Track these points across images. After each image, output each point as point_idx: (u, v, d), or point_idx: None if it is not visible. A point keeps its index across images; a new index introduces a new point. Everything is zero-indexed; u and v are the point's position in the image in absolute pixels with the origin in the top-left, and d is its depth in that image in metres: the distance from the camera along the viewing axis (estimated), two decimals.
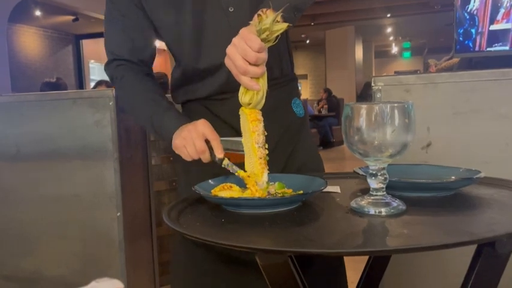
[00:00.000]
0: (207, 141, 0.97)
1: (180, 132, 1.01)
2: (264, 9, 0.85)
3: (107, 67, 1.19)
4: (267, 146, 0.88)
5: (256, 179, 0.88)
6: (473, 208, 0.82)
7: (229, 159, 0.96)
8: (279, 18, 0.84)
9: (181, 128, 1.01)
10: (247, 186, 0.89)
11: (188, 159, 0.99)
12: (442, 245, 0.58)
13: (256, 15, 0.86)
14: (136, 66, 1.16)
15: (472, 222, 0.74)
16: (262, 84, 0.86)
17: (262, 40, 0.84)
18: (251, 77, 0.85)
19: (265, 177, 0.88)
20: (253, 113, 0.88)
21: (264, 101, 0.88)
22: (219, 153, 0.95)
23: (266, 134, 0.89)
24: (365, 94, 11.16)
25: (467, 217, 0.77)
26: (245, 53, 0.83)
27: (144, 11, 1.11)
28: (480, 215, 0.77)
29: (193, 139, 0.97)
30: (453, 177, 0.91)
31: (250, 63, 0.84)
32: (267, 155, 0.89)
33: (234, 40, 0.85)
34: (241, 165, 0.92)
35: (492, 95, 1.41)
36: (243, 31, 0.86)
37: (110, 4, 1.16)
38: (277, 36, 0.85)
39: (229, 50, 0.86)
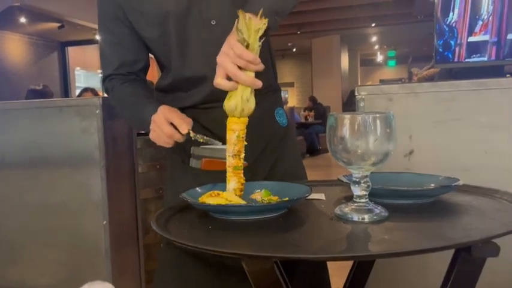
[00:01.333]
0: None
1: (150, 126, 1.07)
2: (242, 12, 0.88)
3: (103, 83, 1.24)
4: (242, 156, 0.91)
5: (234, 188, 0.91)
6: (452, 214, 0.85)
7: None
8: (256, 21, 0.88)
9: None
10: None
11: (169, 145, 1.05)
12: (420, 250, 0.61)
13: (236, 22, 0.89)
14: (127, 77, 1.21)
15: (450, 228, 0.77)
16: (243, 92, 0.89)
17: (242, 41, 0.87)
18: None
19: (230, 185, 0.90)
20: (230, 123, 0.91)
21: (247, 111, 0.90)
22: (183, 130, 1.01)
23: (246, 143, 0.92)
24: (351, 102, 11.28)
25: (445, 223, 0.80)
26: (235, 58, 0.87)
27: (132, 28, 1.15)
28: (458, 221, 0.80)
29: (159, 127, 1.03)
30: (432, 185, 0.94)
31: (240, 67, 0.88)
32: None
33: (223, 48, 0.90)
34: (224, 173, 0.94)
35: (471, 104, 1.46)
36: (229, 37, 0.90)
37: (99, 23, 1.20)
38: (262, 37, 0.88)
39: (219, 58, 0.90)
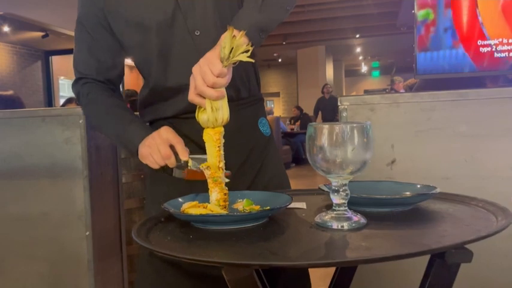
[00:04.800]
0: (172, 147, 1.00)
1: (145, 141, 1.04)
2: (232, 28, 0.90)
3: (74, 85, 1.22)
4: (221, 165, 0.92)
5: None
6: (429, 221, 0.87)
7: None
8: (243, 41, 0.89)
9: (146, 138, 1.05)
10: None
11: (155, 166, 1.02)
12: (395, 256, 0.63)
13: (222, 36, 0.90)
14: (103, 84, 1.20)
15: (426, 234, 0.78)
16: (212, 103, 0.91)
17: (226, 60, 0.89)
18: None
19: (213, 196, 0.92)
20: (205, 134, 0.93)
21: (220, 120, 0.92)
22: (183, 156, 0.99)
23: (223, 153, 0.93)
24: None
25: (422, 230, 0.81)
26: (205, 75, 0.89)
27: (113, 33, 1.14)
28: (434, 228, 0.82)
29: (157, 145, 1.00)
30: (409, 193, 0.96)
31: (207, 85, 0.90)
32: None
33: (200, 61, 0.92)
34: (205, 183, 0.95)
35: (451, 114, 1.49)
36: (209, 54, 0.92)
37: (79, 25, 1.19)
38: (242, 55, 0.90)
39: (194, 68, 0.92)
